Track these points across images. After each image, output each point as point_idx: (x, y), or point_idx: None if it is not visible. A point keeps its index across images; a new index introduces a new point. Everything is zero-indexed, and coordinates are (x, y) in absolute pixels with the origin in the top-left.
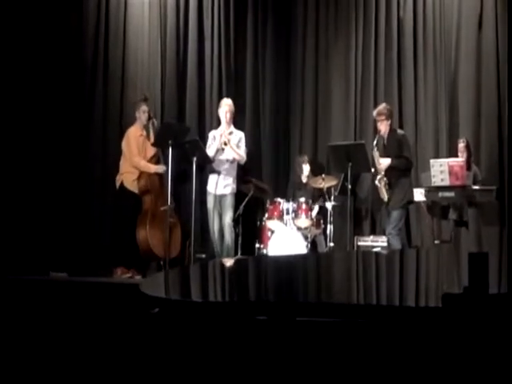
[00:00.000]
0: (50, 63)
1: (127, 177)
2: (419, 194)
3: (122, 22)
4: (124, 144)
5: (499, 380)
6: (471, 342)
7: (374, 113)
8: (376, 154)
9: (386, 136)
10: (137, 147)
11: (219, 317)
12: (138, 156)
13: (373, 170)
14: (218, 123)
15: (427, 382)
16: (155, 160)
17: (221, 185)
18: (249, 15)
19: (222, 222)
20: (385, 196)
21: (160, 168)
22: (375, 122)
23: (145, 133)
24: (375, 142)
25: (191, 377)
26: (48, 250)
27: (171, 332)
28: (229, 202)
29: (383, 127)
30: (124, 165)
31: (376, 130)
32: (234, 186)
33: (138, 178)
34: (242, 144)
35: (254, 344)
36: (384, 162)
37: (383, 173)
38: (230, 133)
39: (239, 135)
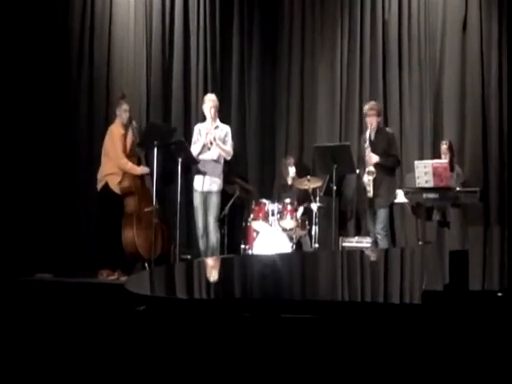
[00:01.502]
0: (35, 63)
1: (112, 178)
2: (403, 195)
3: (108, 20)
4: (108, 143)
5: (479, 374)
6: (451, 338)
7: (366, 107)
8: (368, 147)
9: (373, 132)
10: (121, 147)
11: (204, 314)
12: (124, 158)
13: (358, 170)
14: (204, 120)
15: (409, 377)
16: (135, 160)
17: (207, 182)
18: (235, 13)
19: (208, 222)
20: (370, 191)
21: (145, 169)
22: (362, 119)
23: (124, 131)
24: (367, 136)
25: (177, 373)
26: (33, 251)
27: (157, 329)
28: (215, 201)
29: (374, 122)
30: (108, 165)
31: (362, 128)
32: (221, 182)
33: (121, 180)
34: (229, 138)
35: (239, 340)
36: (373, 158)
37: (372, 167)
38: (216, 127)
39: (225, 129)
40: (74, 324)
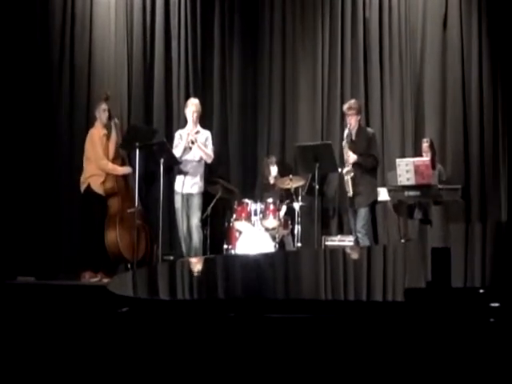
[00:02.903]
0: (15, 64)
1: (94, 180)
2: (385, 194)
3: (88, 21)
4: (88, 147)
5: (462, 372)
6: (434, 335)
7: (345, 107)
8: (346, 146)
9: (354, 131)
10: (102, 149)
11: (188, 315)
12: (104, 159)
13: (339, 169)
14: (186, 123)
15: (393, 375)
16: (119, 161)
17: (188, 184)
18: (216, 15)
19: (190, 223)
20: (350, 190)
21: (127, 169)
22: (343, 117)
23: (106, 131)
24: (345, 135)
25: (161, 374)
26: (15, 254)
27: (140, 331)
28: (196, 203)
29: (353, 121)
30: (89, 167)
31: (343, 126)
32: (202, 184)
33: (104, 181)
34: (209, 143)
35: (224, 341)
36: (351, 157)
37: (350, 166)
38: (197, 132)
39: (206, 134)
40: (56, 327)
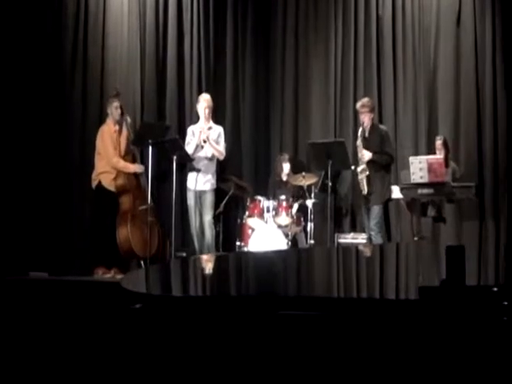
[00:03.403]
0: (28, 61)
1: (106, 177)
2: (398, 191)
3: (101, 18)
4: (99, 143)
5: (476, 370)
6: (448, 333)
7: (358, 105)
8: (360, 144)
9: (367, 129)
10: (113, 146)
11: (200, 311)
12: (115, 156)
13: (353, 167)
14: (198, 119)
15: (406, 373)
16: (130, 158)
17: (200, 181)
18: (228, 10)
19: (203, 220)
20: (364, 189)
21: (139, 168)
22: (356, 115)
23: (117, 128)
24: (359, 133)
25: (174, 371)
26: (28, 250)
27: (153, 327)
28: (209, 200)
29: (366, 119)
30: (100, 164)
31: (357, 124)
32: (214, 181)
33: (115, 178)
34: (222, 139)
35: (236, 338)
36: (366, 154)
37: (365, 165)
38: (209, 128)
39: (218, 130)
40: (69, 323)
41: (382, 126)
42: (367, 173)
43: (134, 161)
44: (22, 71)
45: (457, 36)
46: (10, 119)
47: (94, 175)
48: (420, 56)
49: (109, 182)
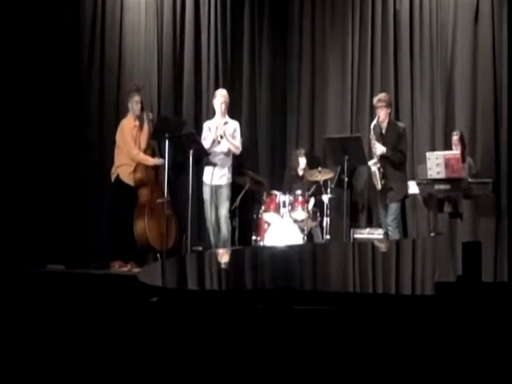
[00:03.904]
0: (46, 57)
1: (124, 169)
2: (414, 187)
3: (119, 13)
4: (118, 137)
5: (491, 366)
6: (464, 329)
7: (375, 99)
8: (373, 137)
9: (384, 125)
10: (132, 139)
11: (216, 305)
12: (135, 148)
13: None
14: (214, 114)
15: (422, 368)
16: (150, 152)
17: (216, 175)
18: (245, 4)
19: (219, 214)
20: (378, 183)
21: (158, 161)
22: (373, 110)
23: (138, 123)
24: (372, 126)
25: (190, 364)
26: (45, 243)
27: (169, 320)
28: (225, 194)
29: (382, 114)
30: (119, 157)
31: (372, 119)
32: (230, 176)
33: (134, 171)
34: (238, 134)
35: (251, 332)
36: (380, 148)
37: (377, 158)
38: (225, 123)
39: (234, 125)
40: (86, 315)
41: (400, 124)
42: (378, 165)
43: (153, 155)
44: (41, 69)
45: (474, 31)
46: (29, 116)
47: (112, 169)
48: (437, 51)
49: (127, 175)
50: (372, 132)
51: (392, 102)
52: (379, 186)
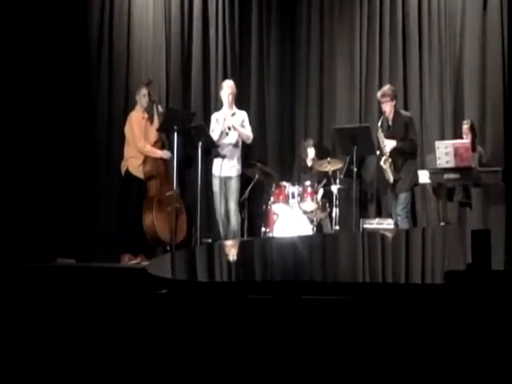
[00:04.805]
0: (55, 52)
1: (132, 162)
2: (424, 176)
3: (127, 8)
4: (127, 129)
5: (502, 356)
6: (474, 318)
7: (379, 94)
8: (381, 135)
9: (390, 117)
10: (140, 132)
11: (226, 296)
12: (142, 140)
13: (378, 152)
14: (222, 106)
15: (431, 358)
16: (159, 145)
17: (226, 167)
18: None
19: (228, 206)
20: (390, 177)
21: (165, 153)
22: (380, 103)
23: (146, 115)
24: (380, 123)
25: (199, 355)
26: (55, 237)
27: (179, 312)
28: (234, 186)
29: (388, 108)
30: (128, 150)
31: (381, 112)
32: (239, 167)
33: (143, 163)
34: (247, 123)
35: (261, 322)
36: (389, 144)
37: (388, 154)
38: (233, 114)
39: (242, 115)
40: (96, 309)
41: (405, 113)
42: (390, 161)
43: (162, 148)
44: (50, 64)
45: (483, 20)
46: (39, 111)
47: (122, 162)
48: (446, 41)
49: (135, 168)
50: (380, 130)
51: (396, 93)
52: (391, 181)
